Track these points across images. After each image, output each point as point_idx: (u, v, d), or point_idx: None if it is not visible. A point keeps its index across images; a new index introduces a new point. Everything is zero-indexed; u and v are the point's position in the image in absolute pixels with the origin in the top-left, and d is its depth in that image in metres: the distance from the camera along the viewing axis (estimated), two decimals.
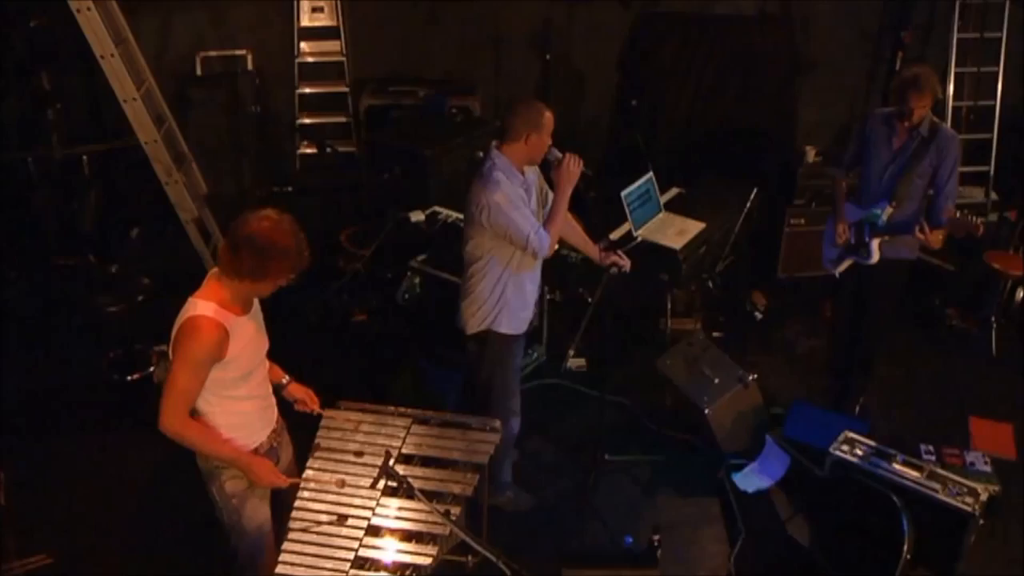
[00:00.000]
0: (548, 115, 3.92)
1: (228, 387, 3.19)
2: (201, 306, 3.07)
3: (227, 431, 3.25)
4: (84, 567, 4.22)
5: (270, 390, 3.45)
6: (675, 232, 5.54)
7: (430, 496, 3.25)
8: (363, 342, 5.86)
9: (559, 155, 3.95)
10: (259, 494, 3.39)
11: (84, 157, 6.61)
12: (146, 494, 4.64)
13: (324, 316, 6.00)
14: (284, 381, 3.58)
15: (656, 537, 4.08)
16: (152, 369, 5.14)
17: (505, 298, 4.09)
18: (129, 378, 5.10)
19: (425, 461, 3.54)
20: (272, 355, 3.44)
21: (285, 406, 3.60)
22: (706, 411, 4.82)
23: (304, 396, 3.59)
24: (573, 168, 3.92)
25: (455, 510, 3.34)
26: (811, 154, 6.60)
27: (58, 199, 6.65)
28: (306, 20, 7.21)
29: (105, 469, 4.77)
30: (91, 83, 6.72)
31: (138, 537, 4.40)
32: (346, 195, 7.39)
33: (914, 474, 4.13)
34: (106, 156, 6.78)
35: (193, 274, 6.10)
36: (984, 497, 4.03)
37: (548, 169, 4.06)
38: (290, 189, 7.47)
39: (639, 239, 5.43)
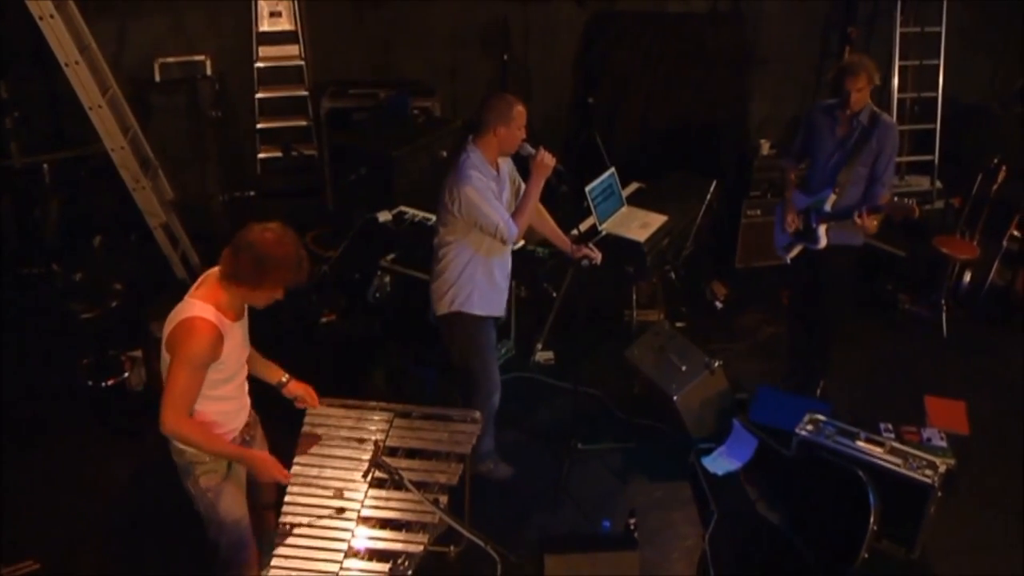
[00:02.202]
0: (518, 109, 4.08)
1: (211, 387, 3.25)
2: (199, 307, 3.14)
3: None
4: (70, 571, 4.22)
5: (247, 392, 3.52)
6: (638, 225, 5.68)
7: (417, 486, 3.33)
8: (334, 342, 5.90)
9: (531, 150, 4.10)
10: (234, 488, 3.45)
11: (45, 165, 6.56)
12: (127, 497, 4.64)
13: (293, 317, 6.03)
14: (284, 379, 3.64)
15: (632, 521, 4.20)
16: (127, 375, 5.14)
17: (475, 279, 4.25)
18: (104, 384, 5.08)
19: (410, 453, 3.64)
20: None
21: (270, 402, 3.67)
22: (675, 397, 4.95)
23: (304, 393, 3.66)
24: (547, 161, 4.10)
25: (443, 499, 3.44)
26: (765, 147, 6.78)
27: (19, 208, 6.60)
28: (265, 25, 7.22)
29: (85, 474, 4.77)
30: (50, 90, 6.69)
31: (123, 539, 4.41)
32: (309, 198, 7.44)
33: (876, 450, 4.31)
34: (66, 164, 6.74)
35: (160, 281, 6.17)
36: (943, 470, 4.21)
37: (524, 164, 4.20)
38: (252, 193, 7.49)
39: (604, 233, 5.56)
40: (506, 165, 4.31)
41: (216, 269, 3.23)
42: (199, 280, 3.29)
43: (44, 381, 5.39)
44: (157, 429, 3.16)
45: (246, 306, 3.34)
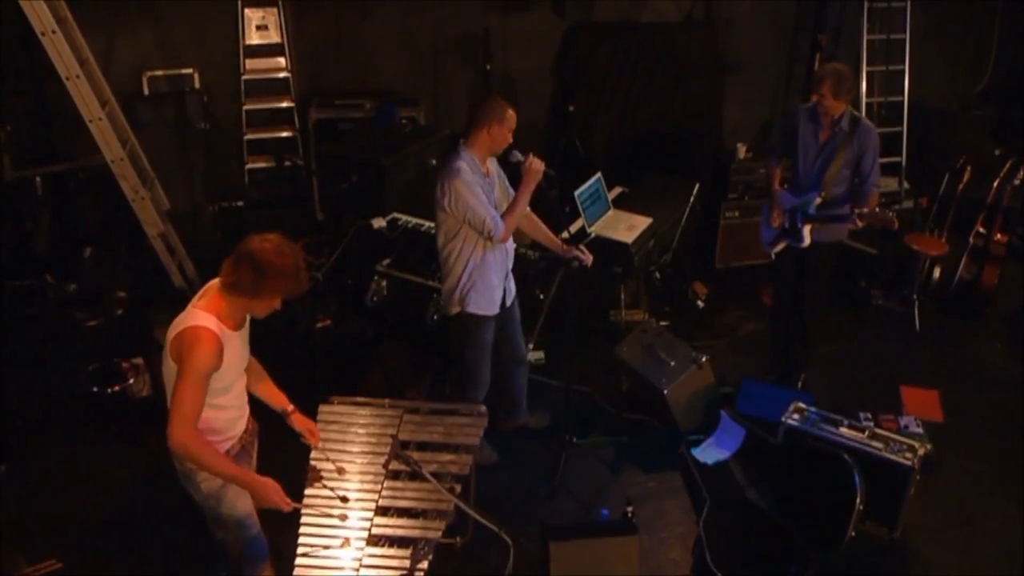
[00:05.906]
0: (511, 112, 4.32)
1: (210, 395, 3.31)
2: (202, 317, 3.23)
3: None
4: (89, 571, 4.32)
5: (246, 401, 3.61)
6: (625, 227, 5.89)
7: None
8: (329, 347, 6.03)
9: (521, 157, 4.31)
10: (236, 489, 3.50)
11: (37, 179, 6.64)
12: (136, 500, 4.75)
13: (289, 323, 6.15)
14: (289, 409, 3.73)
15: (629, 509, 4.39)
16: (131, 381, 5.24)
17: (472, 280, 4.48)
18: (109, 390, 5.18)
19: (421, 446, 3.79)
20: None
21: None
22: (664, 392, 5.14)
23: (307, 430, 3.73)
24: (537, 166, 4.32)
25: (457, 487, 3.60)
26: (742, 151, 7.00)
27: (11, 221, 6.67)
28: (251, 38, 7.32)
29: (93, 478, 4.87)
30: (40, 104, 6.77)
31: (135, 541, 4.51)
32: (296, 207, 7.56)
33: (859, 436, 4.54)
34: (57, 177, 6.82)
35: (156, 290, 6.27)
36: (922, 453, 4.45)
37: (515, 173, 4.40)
38: (241, 203, 7.59)
39: (592, 235, 5.75)
40: (494, 167, 4.53)
41: (218, 280, 3.32)
42: (202, 290, 3.37)
43: (50, 388, 5.47)
44: (161, 434, 3.18)
45: (247, 317, 3.42)
